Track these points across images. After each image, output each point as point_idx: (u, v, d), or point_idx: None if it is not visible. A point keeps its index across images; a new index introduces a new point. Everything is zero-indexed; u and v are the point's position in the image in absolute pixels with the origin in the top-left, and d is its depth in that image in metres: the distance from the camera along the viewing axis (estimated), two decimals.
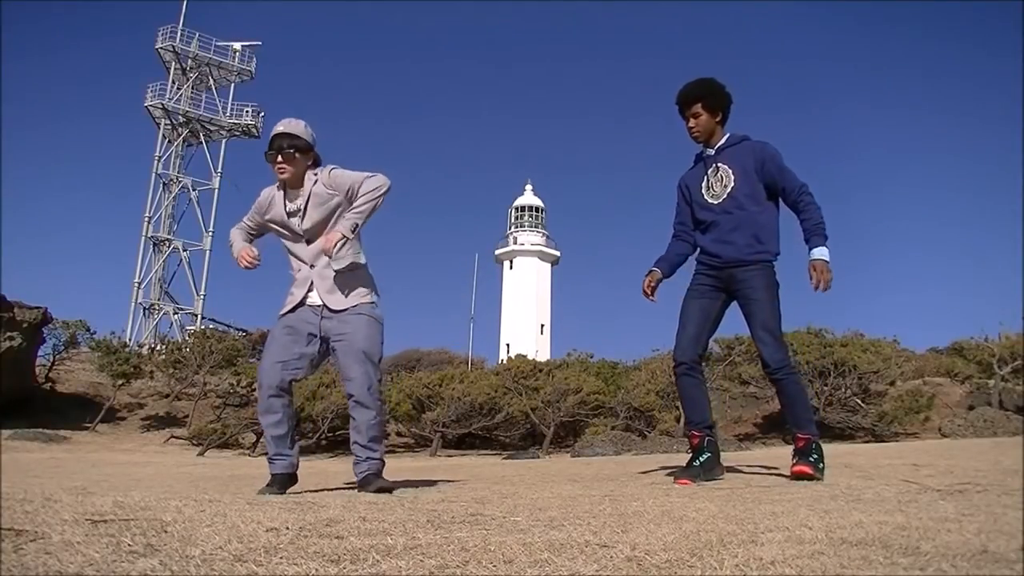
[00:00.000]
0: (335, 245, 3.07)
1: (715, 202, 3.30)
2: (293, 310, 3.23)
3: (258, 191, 3.36)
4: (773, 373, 3.15)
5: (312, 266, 3.21)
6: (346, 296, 3.20)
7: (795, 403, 3.18)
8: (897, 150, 75.09)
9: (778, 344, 3.16)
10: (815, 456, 3.09)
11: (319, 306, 3.20)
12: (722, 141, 3.33)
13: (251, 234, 3.40)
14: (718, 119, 3.32)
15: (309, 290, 3.21)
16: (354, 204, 3.16)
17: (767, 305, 3.17)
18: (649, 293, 3.43)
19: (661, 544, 1.41)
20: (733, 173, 3.26)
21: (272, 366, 3.13)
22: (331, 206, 3.19)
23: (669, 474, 3.59)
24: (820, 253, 3.10)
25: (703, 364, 3.39)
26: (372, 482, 3.09)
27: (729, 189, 3.26)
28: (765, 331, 3.16)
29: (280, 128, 3.19)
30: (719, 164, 3.30)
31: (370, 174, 3.22)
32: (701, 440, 3.21)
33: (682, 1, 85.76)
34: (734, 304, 3.32)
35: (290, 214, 3.22)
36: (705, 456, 3.18)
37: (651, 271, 3.46)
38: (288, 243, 3.30)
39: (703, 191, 3.36)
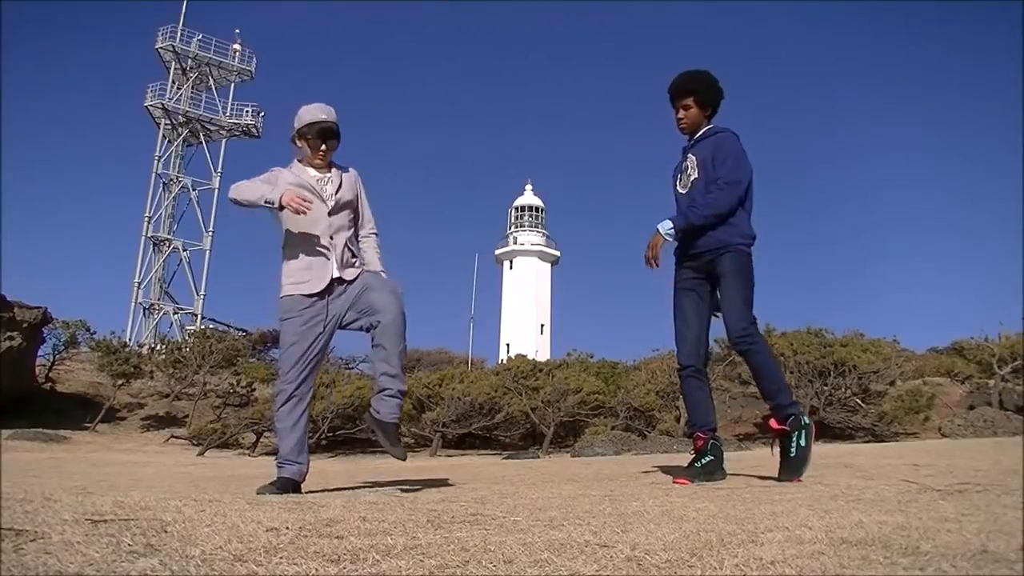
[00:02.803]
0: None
1: (684, 192, 3.34)
2: (319, 295, 3.18)
3: None
4: (737, 343, 3.13)
5: (332, 237, 3.24)
6: (357, 267, 3.33)
7: (764, 372, 3.13)
8: (897, 150, 75.14)
9: (742, 315, 3.12)
10: (796, 435, 3.01)
11: (325, 289, 3.19)
12: (699, 133, 3.35)
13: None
14: (707, 113, 3.35)
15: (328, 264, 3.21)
16: (375, 263, 3.40)
17: (733, 280, 3.16)
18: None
19: (661, 544, 1.41)
20: (697, 164, 3.30)
21: (295, 367, 3.14)
22: (351, 197, 3.34)
23: (672, 475, 3.58)
24: (660, 223, 3.21)
25: (707, 366, 3.38)
26: (392, 433, 3.16)
27: (692, 179, 3.30)
28: (730, 304, 3.15)
29: (323, 116, 3.26)
30: (689, 155, 3.35)
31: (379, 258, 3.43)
32: (705, 443, 3.19)
33: (682, 1, 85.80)
34: None
35: (319, 181, 3.28)
36: (708, 459, 3.16)
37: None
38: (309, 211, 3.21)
39: (678, 183, 3.41)
